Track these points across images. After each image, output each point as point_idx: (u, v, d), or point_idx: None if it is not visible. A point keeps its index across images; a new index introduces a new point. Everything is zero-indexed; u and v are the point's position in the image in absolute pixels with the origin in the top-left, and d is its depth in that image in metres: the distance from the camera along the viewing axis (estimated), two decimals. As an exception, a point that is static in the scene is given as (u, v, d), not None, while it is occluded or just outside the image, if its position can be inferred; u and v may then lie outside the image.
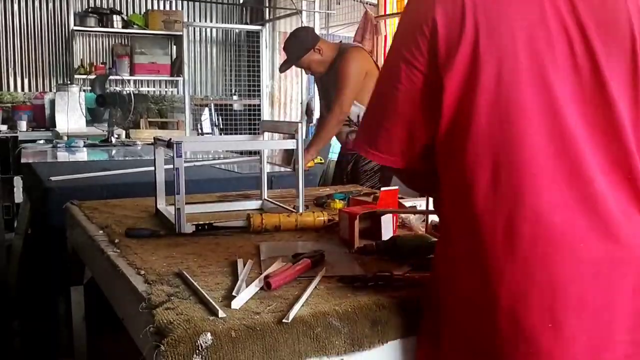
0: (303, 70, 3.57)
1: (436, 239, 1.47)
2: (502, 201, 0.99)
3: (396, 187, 1.79)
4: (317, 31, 6.97)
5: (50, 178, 2.60)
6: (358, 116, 3.23)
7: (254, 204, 2.16)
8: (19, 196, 2.62)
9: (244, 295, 1.17)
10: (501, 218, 0.99)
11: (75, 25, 6.52)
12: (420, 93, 1.06)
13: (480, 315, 1.01)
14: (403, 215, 1.83)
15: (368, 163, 3.26)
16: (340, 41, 3.81)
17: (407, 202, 2.01)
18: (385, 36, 5.92)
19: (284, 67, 3.47)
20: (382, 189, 1.81)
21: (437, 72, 1.03)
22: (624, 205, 1.00)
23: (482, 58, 1.00)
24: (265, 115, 6.60)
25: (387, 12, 5.94)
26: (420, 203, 1.99)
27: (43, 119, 6.05)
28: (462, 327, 1.04)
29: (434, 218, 1.70)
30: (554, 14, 1.01)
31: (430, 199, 1.69)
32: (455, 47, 1.01)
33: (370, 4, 6.20)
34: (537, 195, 0.98)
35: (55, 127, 5.66)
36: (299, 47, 3.30)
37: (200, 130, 6.77)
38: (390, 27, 5.91)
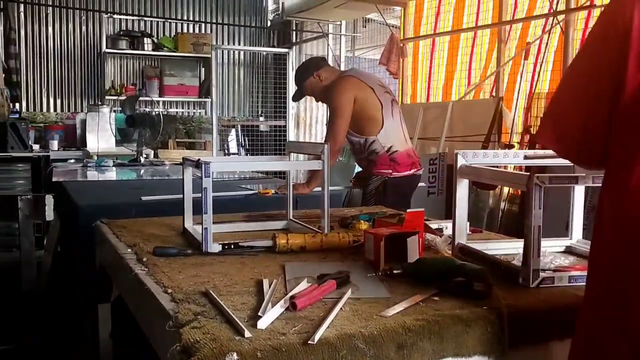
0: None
1: (462, 262, 1.46)
2: None
3: (422, 209, 1.78)
4: (342, 54, 7.07)
5: (142, 198, 2.71)
6: (359, 143, 3.28)
7: (279, 224, 2.17)
8: (49, 214, 2.67)
9: (270, 316, 1.17)
10: None
11: (107, 47, 6.67)
12: (608, 89, 1.08)
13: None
14: (429, 237, 1.82)
15: (369, 186, 3.27)
16: (343, 70, 3.83)
17: (433, 224, 2.00)
18: (410, 58, 5.95)
19: (294, 96, 3.59)
20: (408, 210, 1.81)
21: (625, 69, 1.05)
22: None
23: None
24: (291, 136, 6.64)
25: (413, 35, 5.96)
26: (447, 225, 1.97)
27: (74, 139, 6.18)
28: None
29: (460, 240, 1.69)
30: None
31: (460, 220, 1.68)
32: None
33: (396, 27, 6.23)
34: None
35: (85, 146, 5.77)
36: (300, 74, 3.42)
37: (227, 151, 6.84)
38: (421, 48, 5.93)
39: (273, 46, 7.62)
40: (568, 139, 1.14)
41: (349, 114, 3.20)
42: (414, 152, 3.42)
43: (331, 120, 3.24)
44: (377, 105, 3.27)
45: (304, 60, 3.82)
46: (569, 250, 1.78)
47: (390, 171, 3.26)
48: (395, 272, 1.48)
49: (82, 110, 6.66)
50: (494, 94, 4.96)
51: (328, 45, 7.07)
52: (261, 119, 7.36)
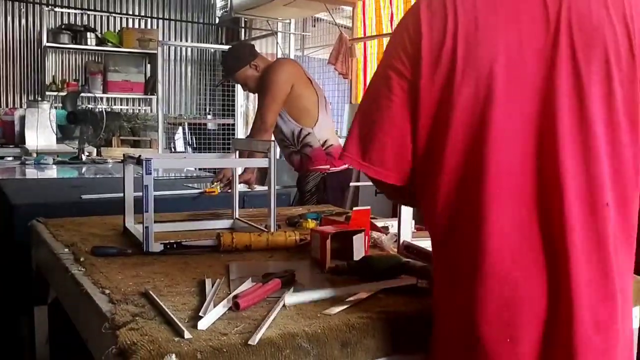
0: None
1: (407, 259, 1.47)
2: (463, 224, 1.02)
3: (368, 207, 1.78)
4: (292, 52, 7.05)
5: (82, 196, 2.58)
6: (292, 133, 3.13)
7: (224, 223, 2.13)
8: (-17, 213, 2.57)
9: (212, 316, 1.14)
10: (463, 247, 1.02)
11: (48, 41, 6.45)
12: (409, 101, 1.05)
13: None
14: (375, 235, 1.83)
15: (307, 184, 3.15)
16: (278, 58, 3.69)
17: (379, 222, 2.01)
18: (359, 59, 5.98)
19: (219, 81, 3.41)
20: (354, 208, 1.81)
21: (417, 82, 1.03)
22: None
23: (458, 79, 1.00)
24: (240, 134, 6.57)
25: (362, 35, 6.00)
26: (392, 223, 1.98)
27: (12, 136, 5.93)
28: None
29: (405, 238, 1.70)
30: (537, 41, 1.00)
31: (405, 219, 1.69)
32: (437, 62, 1.01)
33: (345, 27, 6.26)
34: (497, 221, 0.99)
35: (24, 143, 5.55)
36: (234, 61, 3.21)
37: (173, 149, 6.71)
38: (369, 49, 5.98)
39: (221, 43, 7.52)
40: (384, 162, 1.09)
41: (283, 96, 3.03)
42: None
43: (262, 97, 3.06)
44: (313, 96, 3.15)
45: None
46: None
47: (328, 166, 3.15)
48: (340, 270, 1.47)
49: (21, 106, 6.40)
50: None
51: (277, 43, 7.03)
52: (209, 117, 7.25)
